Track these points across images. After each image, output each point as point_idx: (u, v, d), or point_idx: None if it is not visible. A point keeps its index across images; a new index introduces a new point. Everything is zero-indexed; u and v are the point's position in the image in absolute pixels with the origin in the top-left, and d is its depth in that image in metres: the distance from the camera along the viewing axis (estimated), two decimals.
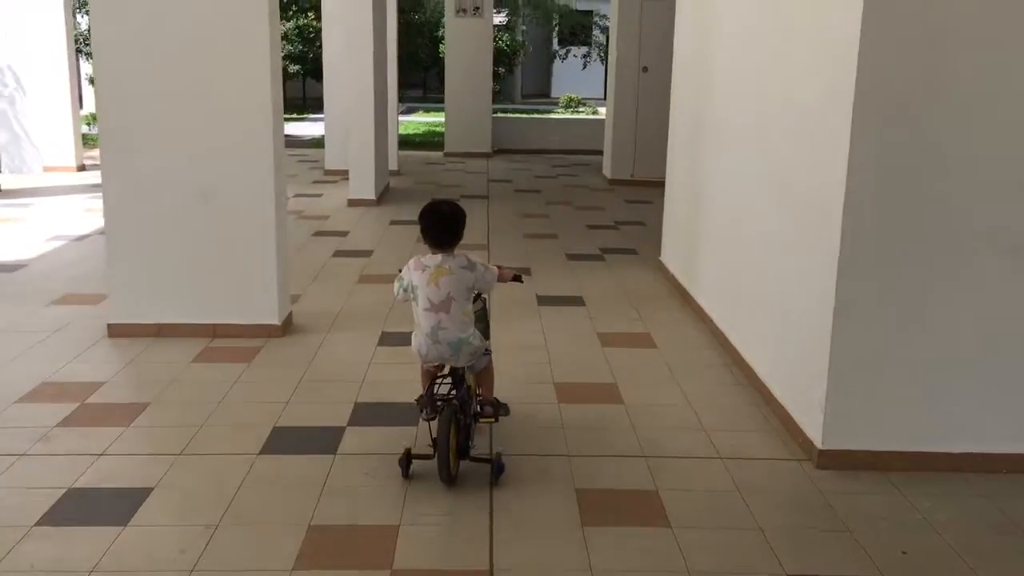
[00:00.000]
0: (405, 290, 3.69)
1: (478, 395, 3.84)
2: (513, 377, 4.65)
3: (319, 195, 10.86)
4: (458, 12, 14.70)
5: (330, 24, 12.11)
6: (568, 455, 3.91)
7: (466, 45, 14.73)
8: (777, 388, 4.39)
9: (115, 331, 5.38)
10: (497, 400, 3.90)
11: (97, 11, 5.14)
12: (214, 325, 5.41)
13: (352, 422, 4.24)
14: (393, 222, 9.23)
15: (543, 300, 6.36)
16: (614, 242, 8.48)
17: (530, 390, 4.65)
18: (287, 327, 5.57)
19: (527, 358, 5.08)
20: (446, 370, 3.73)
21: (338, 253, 7.77)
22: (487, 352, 3.81)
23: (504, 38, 26.28)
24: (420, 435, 3.98)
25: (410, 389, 4.58)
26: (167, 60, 5.14)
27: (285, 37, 23.55)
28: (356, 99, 10.00)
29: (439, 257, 3.63)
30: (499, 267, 3.79)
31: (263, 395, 4.54)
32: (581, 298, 6.43)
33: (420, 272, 3.62)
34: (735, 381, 4.83)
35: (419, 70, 30.13)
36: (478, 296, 3.78)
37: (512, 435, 4.04)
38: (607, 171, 12.53)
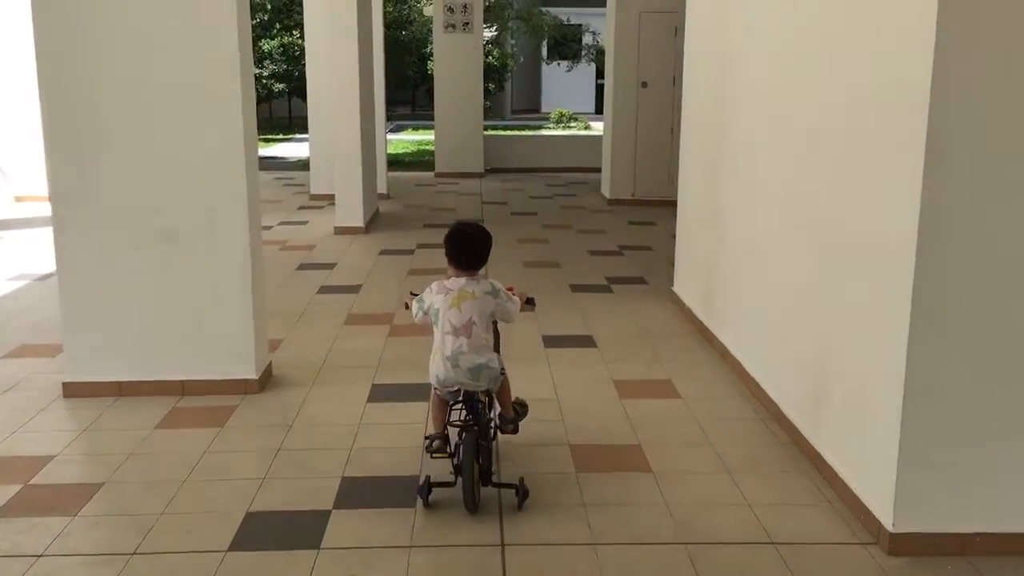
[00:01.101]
0: (425, 312, 3.63)
1: (492, 418, 3.75)
2: (523, 438, 4.06)
3: (304, 222, 10.27)
4: (447, 28, 14.16)
5: (313, 42, 11.57)
6: (594, 544, 3.32)
7: (456, 62, 14.18)
8: (831, 455, 3.80)
9: (71, 390, 4.78)
10: (516, 410, 3.85)
11: (42, 31, 4.55)
12: (182, 382, 4.80)
13: (339, 503, 3.63)
14: (383, 252, 8.63)
15: (550, 341, 5.77)
16: (621, 270, 7.91)
17: (544, 456, 4.06)
18: (265, 381, 4.97)
19: (538, 414, 4.48)
20: (460, 396, 3.60)
21: (323, 289, 7.17)
22: (502, 372, 3.68)
23: (494, 53, 25.79)
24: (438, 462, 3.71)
25: (406, 456, 4.01)
26: (122, 84, 4.56)
27: (269, 56, 23.01)
28: (341, 120, 9.44)
29: (463, 280, 3.58)
30: (511, 289, 3.73)
31: (236, 470, 3.93)
32: (591, 338, 5.85)
33: (443, 295, 3.56)
34: (775, 440, 4.24)
35: (407, 87, 29.64)
36: (494, 323, 3.72)
37: (529, 516, 3.45)
38: (606, 190, 11.98)
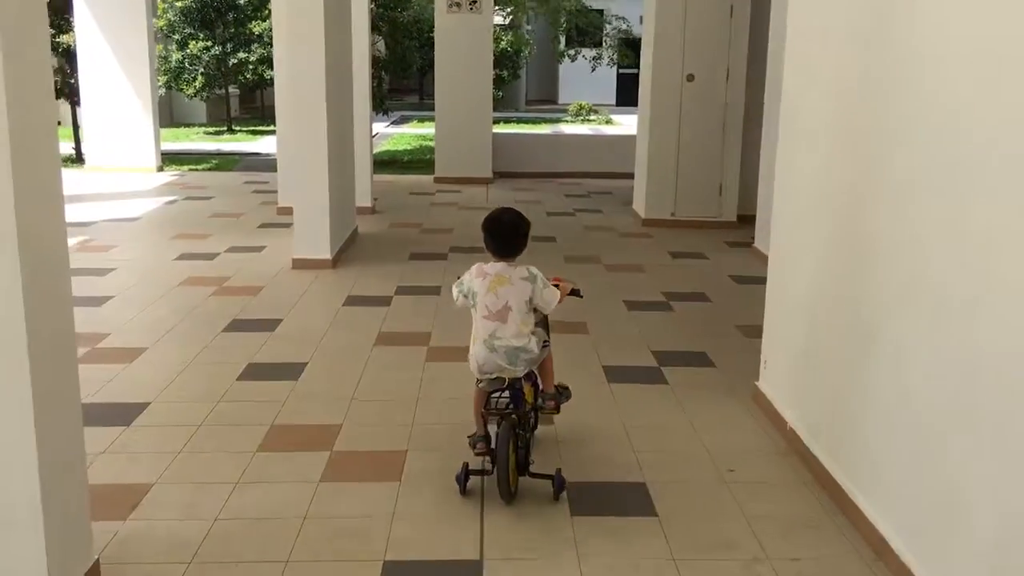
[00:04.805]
0: (465, 296, 3.59)
1: (538, 395, 3.77)
2: None
3: (260, 248, 8.07)
4: (451, 7, 11.94)
5: (278, 22, 9.35)
6: None
7: (461, 47, 11.95)
8: None
9: None
10: (558, 389, 3.84)
11: None
12: None
13: None
14: (350, 300, 6.44)
15: (579, 497, 3.58)
16: (673, 338, 5.70)
17: None
18: None
19: None
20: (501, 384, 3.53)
21: (249, 371, 4.96)
22: (546, 343, 3.67)
23: (507, 38, 23.48)
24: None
25: None
26: None
27: (259, 39, 20.78)
28: (302, 124, 7.25)
29: (500, 265, 3.56)
30: (556, 282, 3.71)
31: None
32: (644, 489, 3.65)
33: (481, 279, 3.54)
34: None
35: (413, 75, 27.34)
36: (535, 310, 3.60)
37: None
38: (640, 207, 9.74)
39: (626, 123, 22.16)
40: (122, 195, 10.93)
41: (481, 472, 3.56)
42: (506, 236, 3.60)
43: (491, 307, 3.49)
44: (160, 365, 5.06)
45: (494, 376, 3.52)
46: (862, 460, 3.36)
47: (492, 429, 3.55)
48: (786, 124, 4.40)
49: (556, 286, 3.67)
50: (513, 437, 3.44)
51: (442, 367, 5.06)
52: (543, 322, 3.77)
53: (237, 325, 5.81)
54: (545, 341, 3.67)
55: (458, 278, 3.66)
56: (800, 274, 4.16)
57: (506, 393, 3.52)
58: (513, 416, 3.48)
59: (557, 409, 3.84)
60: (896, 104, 3.21)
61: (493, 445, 3.51)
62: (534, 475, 3.57)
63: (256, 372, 4.96)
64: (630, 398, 4.67)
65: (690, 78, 9.21)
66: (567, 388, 3.94)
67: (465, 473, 3.56)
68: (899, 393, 3.09)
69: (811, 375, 3.96)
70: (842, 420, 3.58)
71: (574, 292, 3.82)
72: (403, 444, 4.04)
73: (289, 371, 4.96)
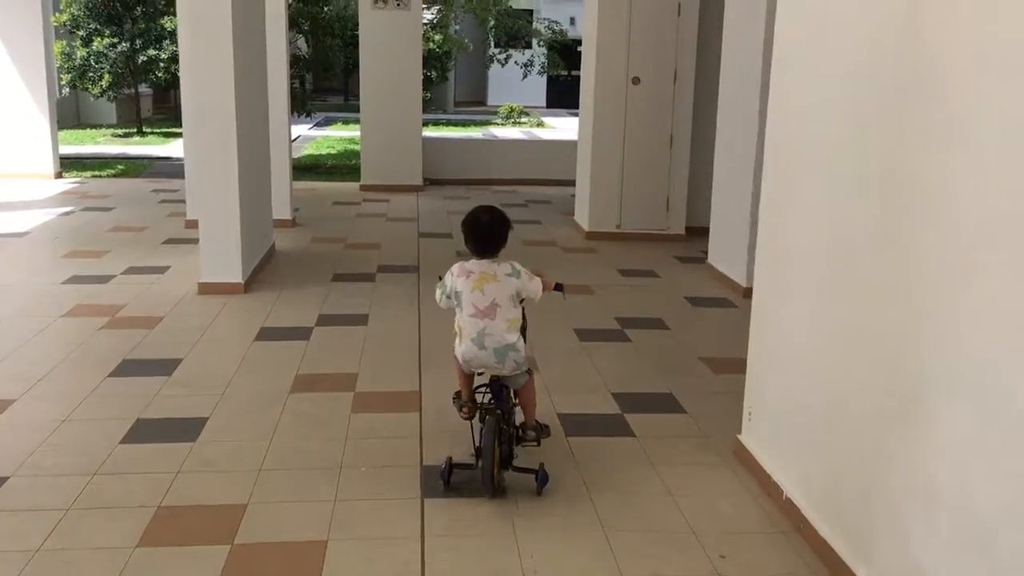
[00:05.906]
0: (448, 296, 3.62)
1: (517, 427, 3.75)
2: None
3: (163, 269, 7.17)
4: (376, 2, 11.14)
5: (184, 21, 8.44)
6: None
7: (388, 46, 11.17)
8: None
9: None
10: (539, 423, 3.80)
11: None
12: None
13: None
14: (263, 333, 5.62)
15: None
16: (633, 376, 5.04)
17: None
18: None
19: None
20: (485, 378, 3.67)
21: (138, 428, 4.13)
22: (528, 372, 3.67)
23: (435, 38, 22.65)
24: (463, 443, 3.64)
25: None
26: None
27: (171, 36, 19.59)
28: (210, 128, 6.40)
29: (484, 263, 3.57)
30: (540, 275, 3.67)
31: None
32: None
33: (464, 278, 3.55)
34: None
35: (337, 75, 26.34)
36: (521, 302, 3.62)
37: None
38: (583, 219, 9.08)
39: (558, 125, 21.59)
40: (11, 205, 9.87)
41: (465, 466, 3.59)
42: (486, 235, 3.60)
43: (478, 304, 3.50)
44: (28, 424, 4.19)
45: (480, 372, 3.61)
46: (910, 570, 2.69)
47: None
48: (777, 145, 3.75)
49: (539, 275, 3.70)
50: (498, 432, 3.48)
51: (371, 420, 4.31)
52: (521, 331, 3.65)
53: (127, 368, 4.95)
54: (528, 369, 3.67)
55: (440, 279, 3.67)
56: (800, 321, 3.50)
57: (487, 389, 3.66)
58: (498, 411, 3.54)
59: (538, 442, 3.78)
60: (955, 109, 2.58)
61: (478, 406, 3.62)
62: (518, 469, 3.62)
63: (145, 431, 4.12)
64: (593, 456, 3.98)
65: (635, 81, 8.59)
66: (547, 426, 3.86)
67: (449, 468, 3.58)
68: (966, 500, 2.42)
69: (818, 441, 3.30)
70: (870, 508, 2.90)
71: (558, 287, 3.75)
72: (323, 532, 3.28)
73: (186, 429, 4.14)
